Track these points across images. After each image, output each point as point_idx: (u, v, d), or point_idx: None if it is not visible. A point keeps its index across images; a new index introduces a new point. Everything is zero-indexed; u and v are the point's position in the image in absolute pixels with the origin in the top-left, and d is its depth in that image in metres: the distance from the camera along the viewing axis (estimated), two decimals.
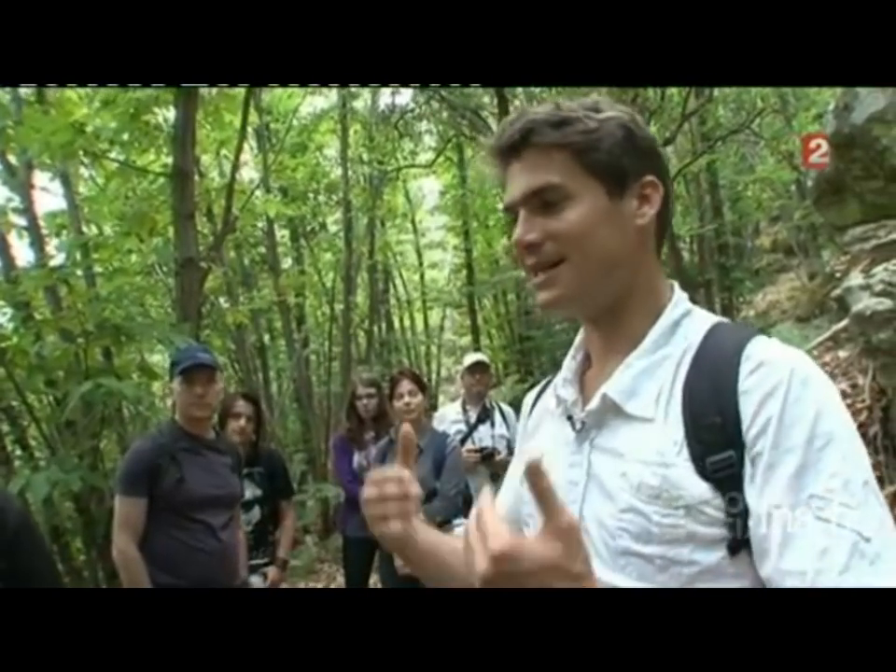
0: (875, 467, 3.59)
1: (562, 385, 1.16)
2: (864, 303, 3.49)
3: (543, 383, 1.34)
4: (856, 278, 3.73)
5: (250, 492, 3.92)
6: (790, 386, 0.92)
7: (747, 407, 0.93)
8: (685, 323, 1.07)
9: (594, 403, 1.06)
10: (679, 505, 0.93)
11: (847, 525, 0.85)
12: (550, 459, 1.14)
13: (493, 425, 4.84)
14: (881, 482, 3.57)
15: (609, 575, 0.99)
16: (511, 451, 4.62)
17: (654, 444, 0.98)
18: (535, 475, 0.78)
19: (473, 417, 4.86)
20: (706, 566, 0.93)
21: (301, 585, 5.09)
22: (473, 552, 0.80)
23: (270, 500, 4.04)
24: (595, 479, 1.04)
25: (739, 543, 0.92)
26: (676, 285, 1.14)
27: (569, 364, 1.18)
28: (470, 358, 5.07)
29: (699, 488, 0.93)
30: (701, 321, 1.07)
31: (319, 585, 7.19)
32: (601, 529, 1.01)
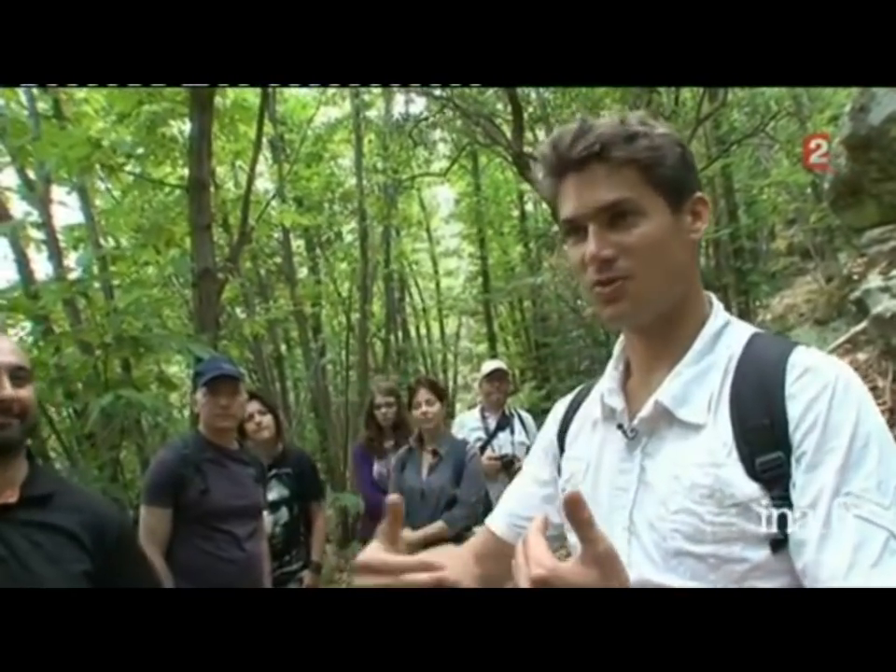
0: None
1: (608, 394, 1.19)
2: (884, 305, 3.47)
3: (576, 392, 1.38)
4: (875, 280, 3.71)
5: (277, 492, 3.95)
6: (834, 391, 0.97)
7: (794, 410, 0.98)
8: (727, 332, 1.12)
9: (646, 411, 1.10)
10: (731, 504, 0.98)
11: (880, 523, 0.90)
12: (597, 468, 1.17)
13: (512, 432, 4.83)
14: None
15: (662, 576, 1.03)
16: None
17: (705, 447, 1.02)
18: (575, 507, 0.84)
19: (492, 424, 4.85)
20: (756, 562, 0.97)
21: None
22: (518, 573, 0.87)
23: (298, 501, 4.05)
24: (646, 484, 1.08)
25: (782, 541, 0.95)
26: (713, 296, 1.18)
27: (612, 374, 1.22)
28: (489, 366, 5.05)
29: (749, 487, 0.97)
30: (740, 331, 1.13)
31: None
32: (652, 532, 1.05)
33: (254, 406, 4.01)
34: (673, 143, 1.10)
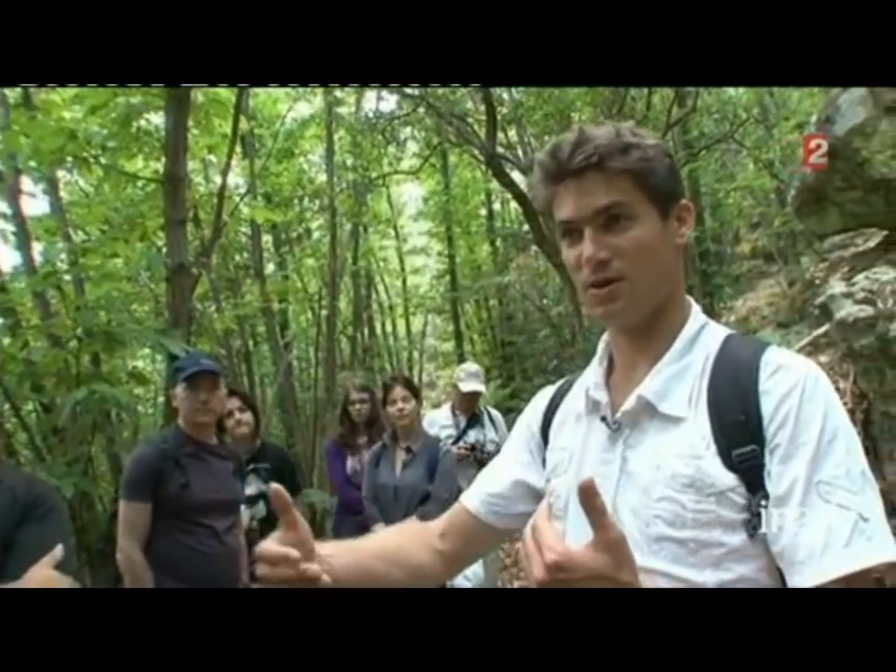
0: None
1: (593, 388, 1.26)
2: (847, 310, 3.58)
3: (557, 386, 1.44)
4: (839, 286, 3.82)
5: (255, 487, 3.99)
6: (804, 387, 1.05)
7: (767, 406, 1.06)
8: (704, 334, 1.20)
9: (629, 404, 1.17)
10: (710, 492, 1.05)
11: (850, 508, 0.98)
12: (580, 458, 1.24)
13: (483, 429, 4.91)
14: None
15: (644, 560, 1.08)
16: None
17: (686, 439, 1.09)
18: (588, 494, 0.89)
19: (463, 422, 4.92)
20: (732, 547, 1.04)
21: None
22: (530, 560, 0.92)
23: None
24: (628, 473, 1.15)
25: (757, 526, 1.03)
26: (692, 299, 1.25)
27: (597, 369, 1.28)
28: (468, 387, 5.00)
29: (726, 477, 1.04)
30: (717, 332, 1.21)
31: None
32: (636, 518, 1.11)
33: (234, 403, 4.05)
34: (663, 154, 1.18)
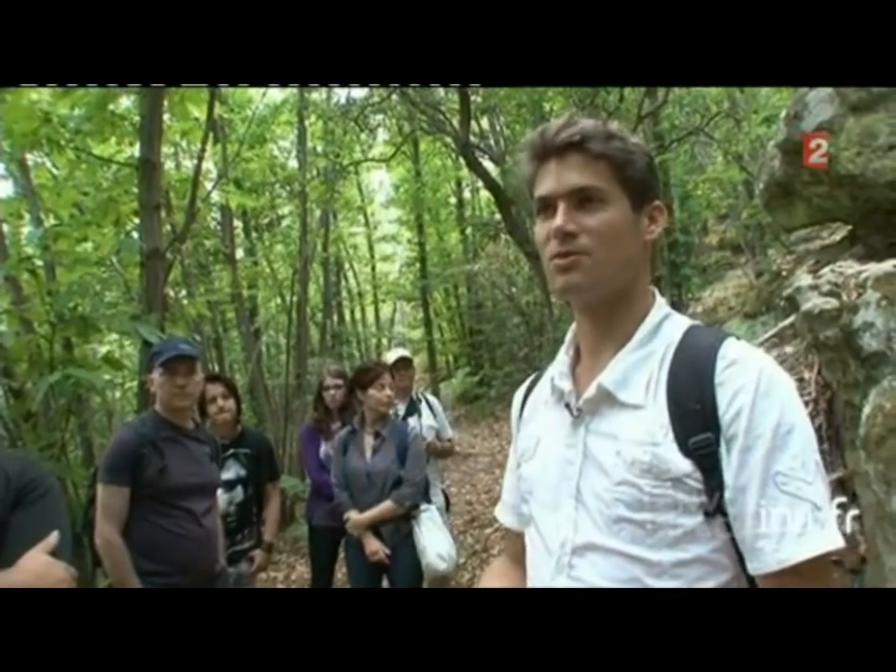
0: (820, 455, 3.77)
1: (559, 377, 1.32)
2: (813, 302, 3.66)
3: (531, 379, 1.52)
4: (805, 279, 3.91)
5: (234, 472, 4.03)
6: (759, 383, 1.11)
7: (722, 397, 1.12)
8: (666, 324, 1.26)
9: (589, 392, 1.23)
10: (667, 478, 1.11)
11: (805, 498, 1.06)
12: (546, 443, 1.31)
13: (420, 416, 5.01)
14: (825, 469, 3.75)
15: (605, 540, 1.16)
16: (439, 439, 5.00)
17: (644, 427, 1.16)
18: None
19: (402, 410, 5.00)
20: (687, 528, 1.11)
21: (260, 575, 5.14)
22: None
23: (254, 481, 4.14)
24: (590, 458, 1.21)
25: (713, 509, 1.10)
26: (657, 291, 1.32)
27: (563, 359, 1.35)
28: (393, 355, 5.19)
29: (683, 463, 1.11)
30: (679, 323, 1.27)
31: (278, 575, 7.26)
32: (597, 500, 1.18)
33: (217, 389, 4.08)
34: (643, 153, 1.26)
